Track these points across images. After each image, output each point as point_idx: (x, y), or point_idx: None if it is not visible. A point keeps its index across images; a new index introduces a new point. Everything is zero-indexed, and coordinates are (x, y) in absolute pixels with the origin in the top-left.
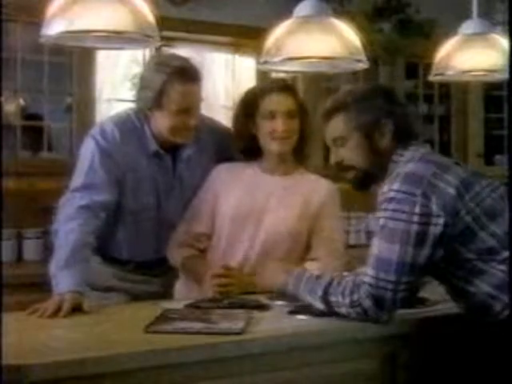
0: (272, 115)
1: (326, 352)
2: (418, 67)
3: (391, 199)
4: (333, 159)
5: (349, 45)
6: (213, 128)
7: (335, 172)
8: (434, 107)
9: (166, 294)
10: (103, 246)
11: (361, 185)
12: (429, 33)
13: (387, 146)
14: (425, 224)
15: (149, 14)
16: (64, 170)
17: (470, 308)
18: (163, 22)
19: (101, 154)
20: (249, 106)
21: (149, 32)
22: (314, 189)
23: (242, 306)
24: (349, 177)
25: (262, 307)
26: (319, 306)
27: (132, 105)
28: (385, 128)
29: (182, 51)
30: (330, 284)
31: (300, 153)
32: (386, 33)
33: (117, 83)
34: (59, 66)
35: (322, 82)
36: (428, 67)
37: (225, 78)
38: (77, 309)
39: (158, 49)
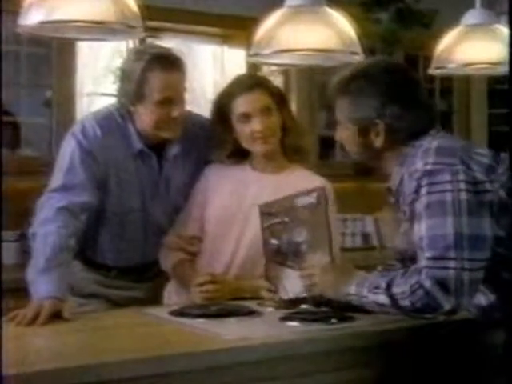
0: (246, 117)
1: (317, 362)
2: (417, 60)
3: (430, 172)
4: (336, 136)
5: (344, 36)
6: (201, 125)
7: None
8: (435, 102)
9: (153, 299)
10: (85, 250)
11: (362, 169)
12: (429, 23)
13: (384, 145)
14: (474, 192)
15: (132, 4)
16: (43, 169)
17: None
18: (147, 12)
19: (81, 153)
20: (223, 113)
21: (132, 22)
22: (306, 187)
23: (231, 313)
24: (355, 159)
25: (252, 313)
26: (383, 300)
27: (115, 99)
28: (378, 128)
29: (168, 42)
30: (392, 277)
31: (289, 147)
32: (384, 23)
33: (99, 76)
34: (38, 57)
35: (315, 75)
36: (428, 60)
37: (213, 71)
38: (56, 316)
39: (142, 40)
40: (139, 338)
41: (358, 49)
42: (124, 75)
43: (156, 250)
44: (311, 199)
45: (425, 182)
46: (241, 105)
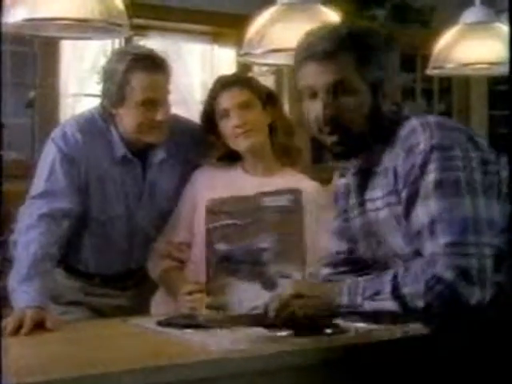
0: (226, 113)
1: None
2: (415, 59)
3: (439, 146)
4: (324, 112)
5: None
6: (188, 129)
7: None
8: (433, 104)
9: (139, 307)
10: (67, 258)
11: (346, 151)
12: (427, 21)
13: (386, 108)
14: (484, 173)
15: (118, 1)
16: (25, 172)
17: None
18: (134, 9)
19: (62, 159)
20: (208, 113)
21: (118, 20)
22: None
23: (219, 324)
24: (331, 140)
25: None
26: (391, 306)
27: (99, 101)
28: (388, 87)
29: (155, 41)
30: (395, 276)
31: (278, 147)
32: (380, 20)
33: (83, 76)
34: (20, 56)
35: None
36: (426, 59)
37: (202, 71)
38: (39, 325)
39: (128, 39)
40: (125, 349)
41: None
42: (106, 76)
43: (141, 257)
44: (283, 201)
45: (434, 156)
46: (221, 102)
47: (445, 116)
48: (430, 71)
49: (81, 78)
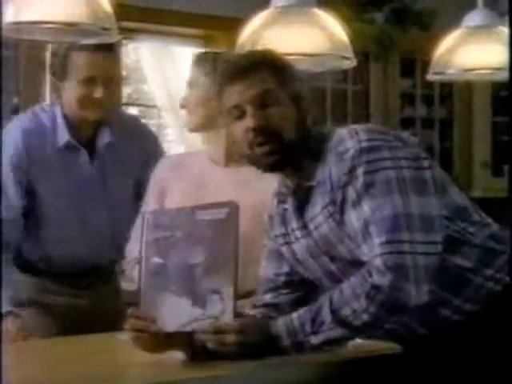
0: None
1: None
2: (414, 64)
3: (367, 149)
4: (254, 123)
5: (335, 39)
6: (139, 128)
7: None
8: (434, 110)
9: (98, 308)
10: (21, 256)
11: (279, 160)
12: (428, 25)
13: (309, 123)
14: (415, 168)
15: (106, 3)
16: None
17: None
18: (123, 12)
19: (7, 163)
20: None
21: (106, 24)
22: (273, 185)
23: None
24: (263, 151)
25: None
26: (337, 333)
27: None
28: (308, 100)
29: (145, 45)
30: (330, 301)
31: None
32: (379, 24)
33: None
34: (4, 61)
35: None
36: (426, 64)
37: None
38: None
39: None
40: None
41: (350, 53)
42: (52, 51)
43: (97, 253)
44: (219, 215)
45: (362, 160)
46: None
47: (446, 123)
48: (430, 76)
49: None
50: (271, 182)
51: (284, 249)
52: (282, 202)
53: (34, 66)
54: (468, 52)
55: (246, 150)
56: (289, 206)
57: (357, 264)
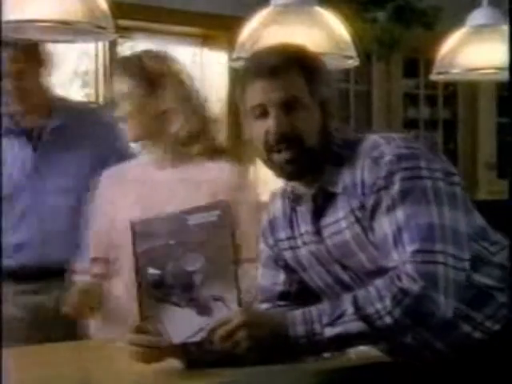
0: None
1: None
2: (418, 64)
3: (404, 156)
4: (277, 128)
5: (336, 38)
6: (99, 120)
7: (264, 149)
8: (438, 110)
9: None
10: None
11: (299, 169)
12: (431, 23)
13: (333, 130)
14: (451, 184)
15: (102, 2)
16: None
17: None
18: (120, 10)
19: None
20: None
21: (102, 22)
22: (219, 176)
23: None
24: (283, 158)
25: None
26: (356, 327)
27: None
28: (334, 104)
29: (142, 44)
30: (355, 298)
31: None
32: (381, 23)
33: (65, 80)
34: None
35: None
36: (430, 64)
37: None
38: None
39: (113, 41)
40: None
41: (353, 51)
42: None
43: (51, 249)
44: (211, 217)
45: (400, 166)
46: None
47: (450, 124)
48: (434, 76)
49: (62, 81)
50: (217, 173)
51: (287, 254)
52: (294, 203)
53: None
54: (473, 51)
55: (264, 154)
56: (303, 209)
57: (374, 274)
